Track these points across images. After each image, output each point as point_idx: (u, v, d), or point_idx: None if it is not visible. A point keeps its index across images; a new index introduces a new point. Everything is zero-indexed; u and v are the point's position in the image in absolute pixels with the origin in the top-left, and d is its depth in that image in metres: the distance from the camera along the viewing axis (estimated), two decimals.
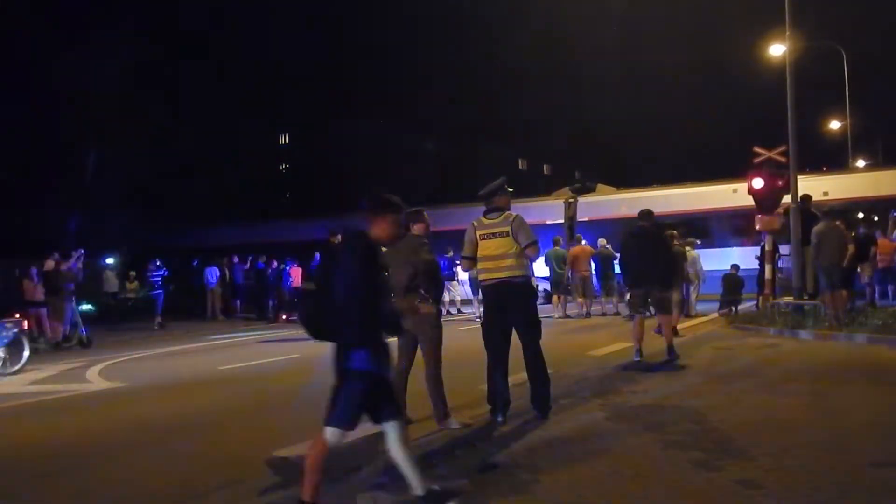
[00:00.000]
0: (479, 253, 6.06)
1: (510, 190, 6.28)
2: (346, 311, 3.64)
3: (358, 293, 3.62)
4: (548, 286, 17.11)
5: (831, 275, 11.13)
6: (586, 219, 19.37)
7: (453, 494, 4.05)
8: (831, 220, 11.35)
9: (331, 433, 3.74)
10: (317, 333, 3.79)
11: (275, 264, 20.65)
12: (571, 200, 18.47)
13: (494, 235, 6.01)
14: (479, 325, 6.24)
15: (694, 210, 20.50)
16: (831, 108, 33.45)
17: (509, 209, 6.16)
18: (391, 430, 3.88)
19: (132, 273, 20.10)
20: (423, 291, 5.78)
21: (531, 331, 6.06)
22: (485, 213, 6.16)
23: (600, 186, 21.46)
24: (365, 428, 5.82)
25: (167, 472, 5.02)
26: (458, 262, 17.77)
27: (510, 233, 5.98)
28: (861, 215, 18.36)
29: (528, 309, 6.22)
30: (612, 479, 4.45)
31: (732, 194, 18.34)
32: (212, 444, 5.79)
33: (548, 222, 19.59)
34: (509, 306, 6.03)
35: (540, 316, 6.24)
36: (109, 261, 20.34)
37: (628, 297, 10.06)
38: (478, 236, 6.06)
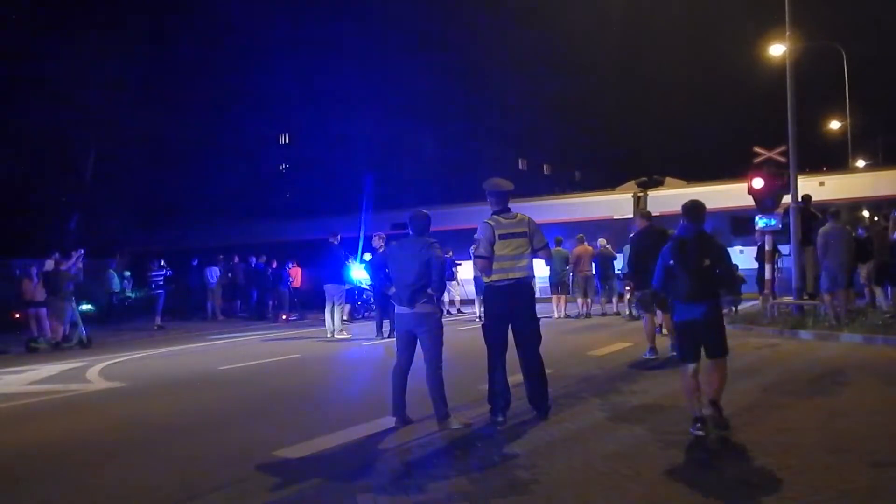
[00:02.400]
0: (497, 252, 5.94)
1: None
2: (720, 277, 5.64)
3: (729, 265, 5.87)
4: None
5: (836, 275, 11.13)
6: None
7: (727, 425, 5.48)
8: (837, 221, 11.37)
9: (723, 360, 5.59)
10: (696, 297, 5.52)
11: (274, 264, 20.63)
12: (640, 195, 18.20)
13: (514, 235, 5.98)
14: (480, 326, 6.22)
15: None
16: (831, 108, 33.48)
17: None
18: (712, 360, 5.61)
19: (127, 273, 20.12)
20: (430, 290, 5.80)
21: (534, 331, 6.08)
22: (498, 213, 6.11)
23: (669, 180, 20.83)
24: (365, 427, 5.87)
25: (167, 472, 5.01)
26: (458, 262, 17.82)
27: (527, 233, 6.02)
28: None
29: (534, 309, 6.31)
30: (612, 478, 4.45)
31: (819, 187, 17.94)
32: (212, 444, 5.78)
33: (615, 217, 19.29)
34: (517, 306, 6.03)
35: (538, 316, 6.26)
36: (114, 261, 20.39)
37: (630, 296, 10.11)
38: (497, 235, 5.98)
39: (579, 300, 16.21)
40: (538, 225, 6.19)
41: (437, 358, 5.84)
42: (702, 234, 5.73)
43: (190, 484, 4.69)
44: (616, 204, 20.13)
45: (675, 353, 9.01)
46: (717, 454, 4.87)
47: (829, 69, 30.53)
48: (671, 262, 5.67)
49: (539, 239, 6.11)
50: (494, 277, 6.00)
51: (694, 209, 5.79)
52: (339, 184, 39.61)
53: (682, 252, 5.67)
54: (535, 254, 6.11)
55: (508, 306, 6.00)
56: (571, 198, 25.10)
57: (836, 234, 11.18)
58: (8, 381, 9.45)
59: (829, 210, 11.92)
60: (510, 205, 6.22)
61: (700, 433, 5.26)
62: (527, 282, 6.05)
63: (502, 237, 5.96)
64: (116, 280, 19.10)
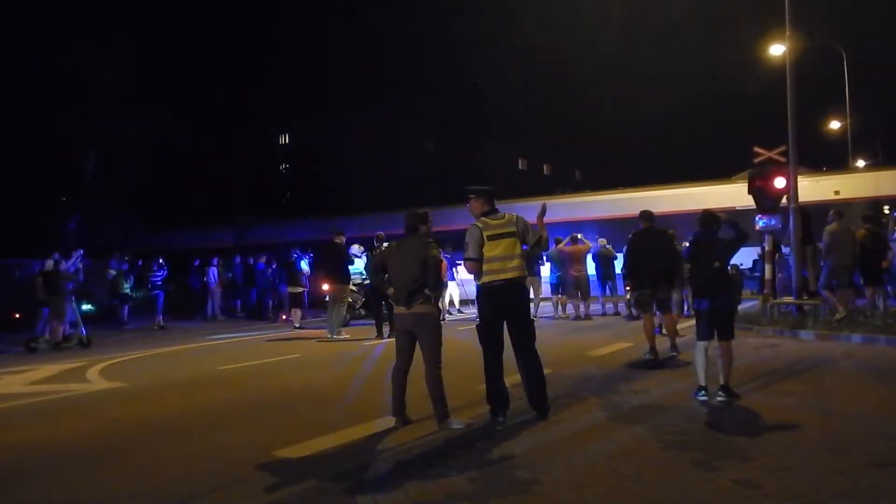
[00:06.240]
0: (487, 254, 5.95)
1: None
2: (726, 276, 6.92)
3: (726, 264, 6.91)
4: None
5: (840, 275, 11.15)
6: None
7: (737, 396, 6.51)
8: (842, 221, 11.39)
9: (730, 343, 6.69)
10: (710, 292, 6.67)
11: (274, 265, 20.60)
12: None
13: (502, 236, 5.98)
14: (475, 326, 6.22)
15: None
16: (831, 108, 33.52)
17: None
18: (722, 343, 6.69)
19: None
20: (427, 291, 5.80)
21: (529, 330, 6.08)
22: (486, 214, 6.15)
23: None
24: (365, 427, 5.87)
25: (167, 472, 5.01)
26: (458, 263, 17.79)
27: (517, 233, 6.02)
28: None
29: (527, 308, 6.36)
30: (612, 478, 4.45)
31: None
32: (212, 444, 5.78)
33: (738, 208, 18.15)
34: (511, 306, 6.03)
35: (538, 316, 6.29)
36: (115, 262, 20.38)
37: (629, 296, 10.14)
38: (485, 237, 5.99)
39: (576, 300, 16.18)
40: (527, 223, 6.20)
41: (437, 358, 5.84)
42: (712, 240, 6.77)
43: (190, 484, 4.68)
44: (735, 193, 19.43)
45: (673, 353, 9.12)
46: (717, 454, 4.87)
47: (829, 69, 30.58)
48: (688, 264, 6.96)
49: (531, 235, 6.14)
50: (486, 279, 6.00)
51: (704, 219, 6.85)
52: (338, 183, 39.58)
53: (696, 256, 6.86)
54: (540, 249, 6.15)
55: (501, 306, 6.00)
56: (682, 187, 24.32)
57: (841, 233, 11.23)
58: (8, 381, 9.44)
59: (834, 210, 11.94)
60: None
61: (704, 398, 6.49)
62: (519, 282, 6.04)
63: (491, 238, 5.97)
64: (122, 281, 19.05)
